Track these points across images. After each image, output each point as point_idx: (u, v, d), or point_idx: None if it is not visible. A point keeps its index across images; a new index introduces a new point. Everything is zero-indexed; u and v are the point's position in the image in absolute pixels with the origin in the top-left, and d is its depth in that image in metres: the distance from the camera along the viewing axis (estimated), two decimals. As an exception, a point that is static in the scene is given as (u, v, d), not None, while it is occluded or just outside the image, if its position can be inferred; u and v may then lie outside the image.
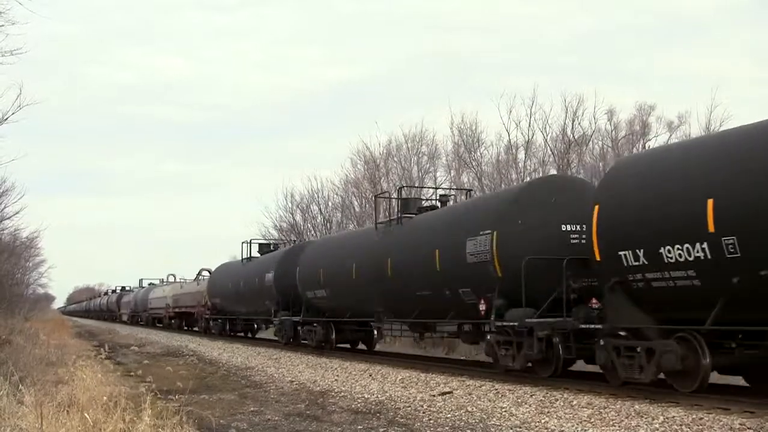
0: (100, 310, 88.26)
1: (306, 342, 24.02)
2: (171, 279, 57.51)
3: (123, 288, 78.55)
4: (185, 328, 44.74)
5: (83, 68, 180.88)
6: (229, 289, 32.12)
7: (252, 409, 12.01)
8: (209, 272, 41.07)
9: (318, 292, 22.62)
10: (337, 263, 21.40)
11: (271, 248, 32.20)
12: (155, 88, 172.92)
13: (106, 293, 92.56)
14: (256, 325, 33.30)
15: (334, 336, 22.51)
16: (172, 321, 47.00)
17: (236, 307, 32.03)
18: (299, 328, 24.48)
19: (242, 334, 34.51)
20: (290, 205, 49.11)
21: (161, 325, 51.01)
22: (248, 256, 32.00)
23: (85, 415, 8.18)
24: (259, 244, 33.06)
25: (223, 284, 33.60)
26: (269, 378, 16.79)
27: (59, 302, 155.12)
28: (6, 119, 17.79)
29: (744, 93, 63.85)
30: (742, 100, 62.64)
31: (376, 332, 21.23)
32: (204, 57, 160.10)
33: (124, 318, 68.45)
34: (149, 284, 62.99)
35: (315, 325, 23.33)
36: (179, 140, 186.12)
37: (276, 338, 27.09)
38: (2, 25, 14.37)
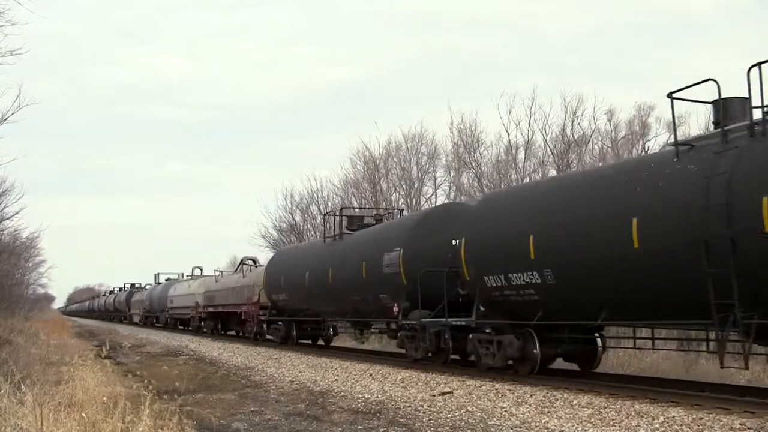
0: (106, 310, 79.71)
1: (474, 359, 15.60)
2: (197, 273, 48.81)
3: (133, 285, 69.08)
4: (223, 332, 36.01)
5: (83, 68, 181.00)
6: (305, 282, 23.29)
7: (252, 409, 12.01)
8: (253, 261, 34.35)
9: (518, 278, 13.48)
10: (583, 222, 12.15)
11: (372, 222, 23.15)
12: (155, 88, 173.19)
13: (111, 291, 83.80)
14: (332, 330, 26.46)
15: (537, 350, 13.87)
16: (203, 323, 38.18)
17: (317, 306, 23.56)
18: (447, 335, 16.23)
19: (309, 341, 26.89)
20: (290, 205, 49.14)
21: (186, 329, 43.01)
22: (336, 232, 23.52)
23: (85, 415, 8.17)
24: (348, 217, 24.07)
25: (292, 275, 24.76)
26: (269, 378, 16.79)
27: (59, 302, 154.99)
28: (6, 119, 17.87)
29: (744, 92, 63.80)
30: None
31: (600, 345, 14.38)
32: (204, 57, 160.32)
33: (136, 319, 59.77)
34: (167, 279, 54.12)
35: (490, 332, 14.70)
36: (179, 140, 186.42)
37: (403, 351, 18.54)
38: (2, 26, 14.39)
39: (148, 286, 61.29)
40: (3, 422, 8.07)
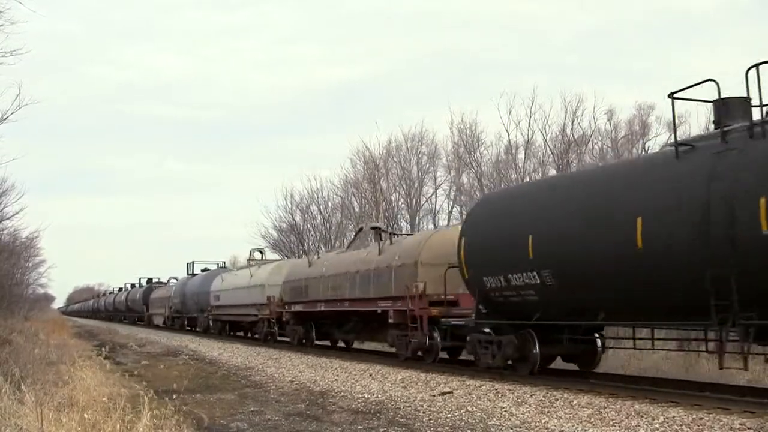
0: (115, 310, 69.39)
1: None
2: (257, 256, 35.41)
3: (150, 280, 58.11)
4: (319, 341, 24.02)
5: (83, 67, 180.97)
6: (635, 240, 10.99)
7: (252, 409, 12.00)
8: (379, 229, 21.43)
9: None
10: None
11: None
12: (155, 88, 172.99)
13: (120, 289, 72.76)
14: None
15: None
16: (285, 329, 25.54)
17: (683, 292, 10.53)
18: None
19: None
20: (290, 205, 49.11)
21: (243, 336, 32.20)
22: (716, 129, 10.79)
23: (85, 415, 8.18)
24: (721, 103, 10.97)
25: (571, 232, 12.45)
26: (269, 378, 16.79)
27: (59, 302, 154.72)
28: (6, 119, 17.89)
29: (743, 92, 63.79)
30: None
31: None
32: (204, 56, 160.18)
33: (157, 321, 49.62)
34: (203, 270, 42.31)
35: None
36: (179, 140, 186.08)
37: None
38: (2, 25, 14.40)
39: (173, 281, 50.07)
40: (3, 422, 8.07)
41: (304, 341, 24.24)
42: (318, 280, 22.65)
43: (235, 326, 33.65)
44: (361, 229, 24.37)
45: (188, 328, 41.48)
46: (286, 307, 25.20)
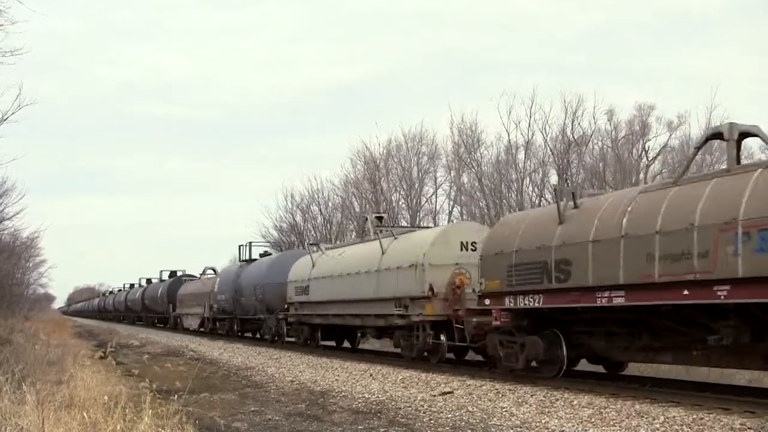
0: (127, 310, 59.90)
1: None
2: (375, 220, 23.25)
3: (174, 273, 48.11)
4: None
5: (83, 67, 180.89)
6: None
7: (252, 408, 12.01)
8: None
9: None
10: None
11: None
12: (155, 87, 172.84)
13: (132, 285, 63.29)
14: None
15: None
16: (473, 340, 15.92)
17: None
18: None
19: None
20: (290, 205, 49.10)
21: (356, 350, 22.77)
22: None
23: (85, 414, 8.18)
24: None
25: None
26: (270, 378, 16.79)
27: (59, 302, 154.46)
28: (6, 119, 17.90)
29: (744, 92, 63.95)
30: (743, 99, 62.74)
31: None
32: (204, 56, 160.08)
33: (190, 323, 39.26)
34: (263, 254, 32.23)
35: None
36: (179, 139, 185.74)
37: None
38: (2, 25, 14.40)
39: (209, 272, 40.08)
40: (4, 422, 8.08)
41: (535, 365, 14.17)
42: (599, 246, 11.93)
43: (329, 332, 22.87)
44: (717, 134, 11.53)
45: (240, 333, 31.00)
46: (488, 302, 14.77)
